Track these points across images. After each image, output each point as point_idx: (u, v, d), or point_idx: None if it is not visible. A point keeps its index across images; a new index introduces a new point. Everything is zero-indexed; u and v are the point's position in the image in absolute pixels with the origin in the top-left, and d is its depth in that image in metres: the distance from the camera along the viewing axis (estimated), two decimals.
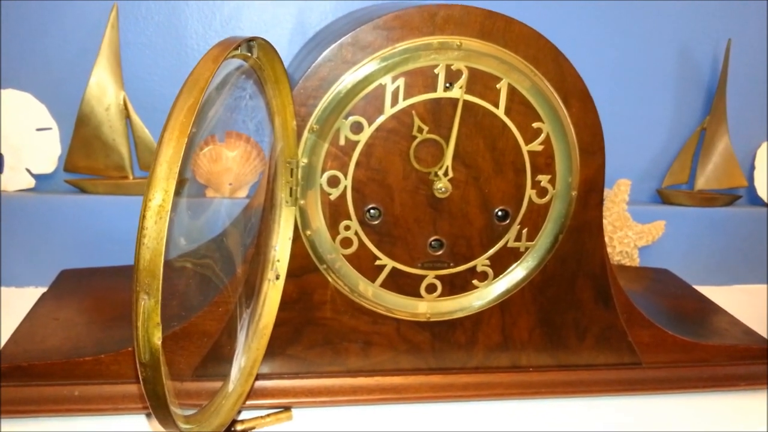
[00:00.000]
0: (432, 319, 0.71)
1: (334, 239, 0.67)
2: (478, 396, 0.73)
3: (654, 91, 1.08)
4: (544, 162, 0.68)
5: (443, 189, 0.66)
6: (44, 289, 0.85)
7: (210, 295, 0.65)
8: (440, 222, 0.68)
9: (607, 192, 1.05)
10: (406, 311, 0.70)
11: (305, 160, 0.64)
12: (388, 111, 0.64)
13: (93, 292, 0.83)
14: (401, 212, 0.67)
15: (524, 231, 0.70)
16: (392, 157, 0.66)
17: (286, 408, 0.68)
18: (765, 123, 1.12)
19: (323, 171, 0.65)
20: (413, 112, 0.65)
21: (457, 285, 0.71)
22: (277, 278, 0.65)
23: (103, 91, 0.92)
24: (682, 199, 1.10)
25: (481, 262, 0.70)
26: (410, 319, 0.70)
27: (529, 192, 0.69)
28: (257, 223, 0.65)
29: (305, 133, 0.63)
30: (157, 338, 0.41)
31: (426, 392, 0.72)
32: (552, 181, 0.69)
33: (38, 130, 0.95)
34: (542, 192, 0.69)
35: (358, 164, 0.65)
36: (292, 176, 0.64)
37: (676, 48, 1.06)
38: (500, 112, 0.66)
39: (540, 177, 0.69)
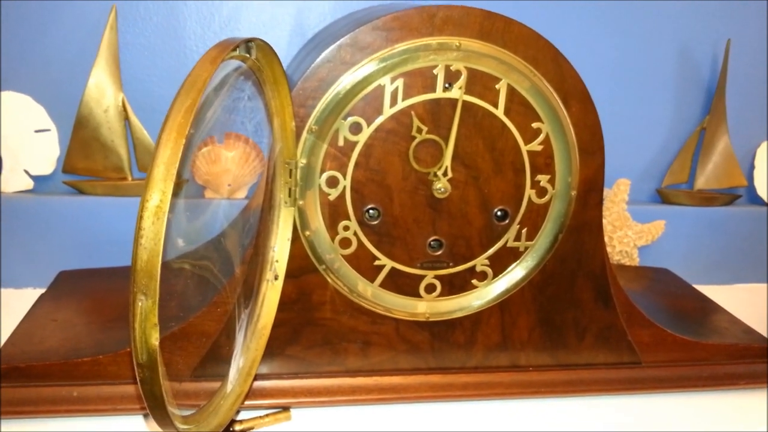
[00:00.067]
0: (431, 319, 0.71)
1: (333, 240, 0.67)
2: (477, 396, 0.73)
3: (654, 91, 1.08)
4: (543, 162, 0.68)
5: (442, 189, 0.66)
6: (43, 291, 0.85)
7: (208, 295, 0.65)
8: (439, 222, 0.68)
9: (606, 192, 1.05)
10: (406, 311, 0.70)
11: (304, 161, 0.64)
12: (387, 111, 0.64)
13: (91, 293, 0.83)
14: (400, 212, 0.67)
15: (524, 231, 0.70)
16: (391, 157, 0.66)
17: (285, 408, 0.68)
18: (765, 122, 1.12)
19: (322, 171, 0.65)
20: (412, 112, 0.64)
21: (456, 285, 0.71)
22: (276, 279, 0.65)
23: (102, 92, 0.92)
24: (681, 198, 1.10)
25: (481, 262, 0.70)
26: (409, 319, 0.70)
27: (529, 192, 0.69)
28: (256, 223, 0.65)
29: (304, 134, 0.63)
30: (155, 339, 0.41)
31: (425, 392, 0.72)
32: (551, 181, 0.69)
33: (37, 131, 0.95)
34: (542, 192, 0.69)
35: (357, 165, 0.65)
36: (290, 177, 0.64)
37: (676, 48, 1.06)
38: (499, 113, 0.66)
39: (539, 177, 0.69)
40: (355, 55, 0.62)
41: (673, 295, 0.94)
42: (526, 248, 0.71)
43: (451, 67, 0.64)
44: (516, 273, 0.71)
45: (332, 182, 0.65)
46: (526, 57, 0.65)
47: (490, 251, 0.70)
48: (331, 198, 0.66)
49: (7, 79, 0.93)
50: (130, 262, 0.41)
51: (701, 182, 1.09)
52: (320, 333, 0.69)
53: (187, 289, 0.67)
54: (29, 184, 0.96)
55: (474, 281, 0.71)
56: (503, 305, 0.72)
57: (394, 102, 0.64)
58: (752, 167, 1.13)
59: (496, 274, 0.71)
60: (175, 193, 0.40)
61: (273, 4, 0.96)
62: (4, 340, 0.71)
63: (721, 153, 1.08)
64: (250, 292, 0.65)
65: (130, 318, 0.40)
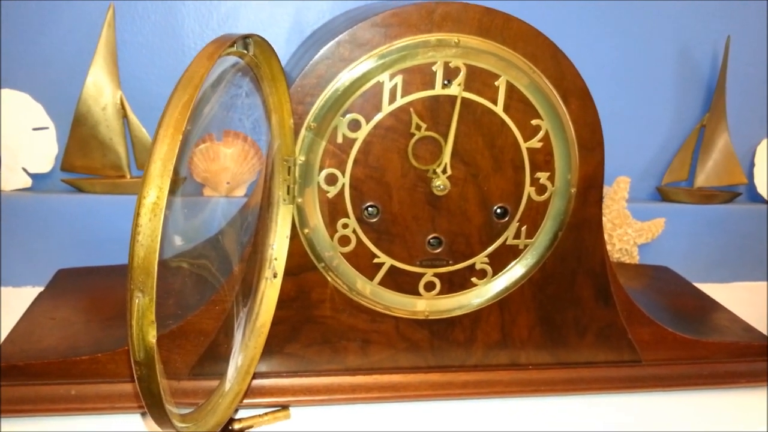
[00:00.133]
0: (431, 317, 0.70)
1: (332, 237, 0.66)
2: (477, 394, 0.73)
3: (653, 89, 1.08)
4: (543, 159, 0.68)
5: (442, 186, 0.66)
6: (42, 289, 0.85)
7: (207, 294, 0.65)
8: (439, 220, 0.68)
9: (606, 189, 1.04)
10: (405, 309, 0.70)
11: (303, 158, 0.63)
12: (386, 108, 0.64)
13: (90, 291, 0.83)
14: (399, 210, 0.67)
15: (523, 228, 0.70)
16: (390, 154, 0.65)
17: (284, 407, 0.68)
18: (765, 120, 1.12)
19: (321, 169, 0.64)
20: (411, 109, 0.64)
21: (456, 283, 0.70)
22: (275, 277, 0.65)
23: (100, 90, 0.92)
24: (681, 196, 1.09)
25: (480, 260, 0.70)
26: (409, 317, 0.70)
27: (528, 189, 0.69)
28: (254, 221, 0.65)
29: (302, 131, 0.63)
30: (152, 336, 0.40)
31: (425, 390, 0.71)
32: (551, 178, 0.69)
33: (35, 129, 0.94)
34: (541, 189, 0.69)
35: (356, 162, 0.65)
36: (289, 174, 0.63)
37: (676, 45, 1.06)
38: (499, 110, 0.66)
39: (539, 174, 0.68)
40: (354, 52, 0.62)
41: (673, 293, 0.94)
42: (526, 246, 0.71)
43: (450, 64, 0.63)
44: (516, 271, 0.71)
45: (331, 179, 0.65)
46: (526, 54, 0.65)
47: (490, 249, 0.70)
48: (330, 195, 0.65)
49: (5, 77, 0.92)
50: None
51: (701, 180, 1.09)
52: (319, 331, 0.69)
53: (186, 287, 0.67)
54: (27, 182, 0.96)
55: (474, 279, 0.71)
56: (503, 303, 0.72)
57: (392, 99, 0.64)
58: (752, 165, 1.12)
59: (495, 272, 0.71)
60: (174, 191, 0.40)
61: (271, 3, 0.96)
62: (2, 338, 0.70)
63: (721, 150, 1.08)
64: (248, 290, 0.65)
65: (127, 315, 0.40)
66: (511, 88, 0.65)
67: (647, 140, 1.10)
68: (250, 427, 0.65)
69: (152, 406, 0.44)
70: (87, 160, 0.94)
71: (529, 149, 0.67)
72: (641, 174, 1.11)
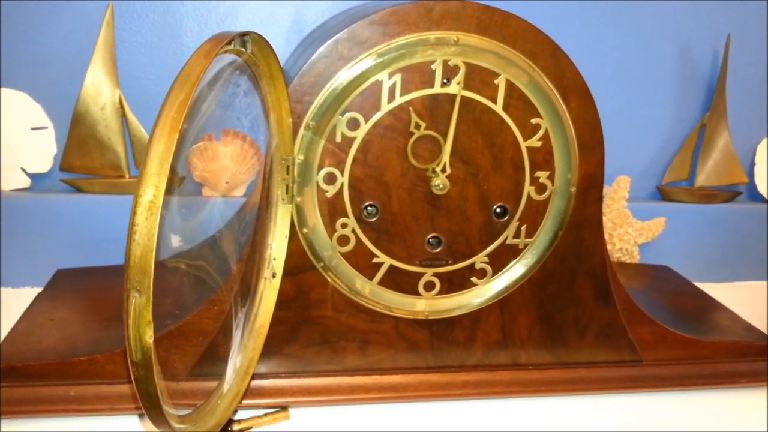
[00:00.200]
0: (430, 317, 0.70)
1: (331, 237, 0.66)
2: (477, 394, 0.72)
3: (653, 88, 1.07)
4: (542, 158, 0.68)
5: (441, 186, 0.66)
6: (40, 289, 0.84)
7: (205, 294, 0.65)
8: (438, 219, 0.68)
9: (606, 189, 1.04)
10: (405, 309, 0.70)
11: (301, 157, 0.63)
12: (385, 107, 0.64)
13: (89, 291, 0.82)
14: (399, 209, 0.67)
15: (523, 228, 0.70)
16: (389, 153, 0.65)
17: (284, 407, 0.68)
18: (765, 119, 1.12)
19: (320, 168, 0.64)
20: (410, 108, 0.64)
21: (455, 282, 0.70)
22: (274, 277, 0.65)
23: (99, 90, 0.92)
24: (682, 195, 1.09)
25: (480, 260, 0.70)
26: (408, 317, 0.70)
27: (528, 188, 0.68)
28: (253, 221, 0.65)
29: (301, 130, 0.63)
30: (149, 336, 0.40)
31: (425, 391, 0.71)
32: (551, 178, 0.68)
33: (34, 129, 0.94)
34: (541, 188, 0.69)
35: (354, 161, 0.64)
36: (288, 173, 0.63)
37: (676, 44, 1.06)
38: (498, 108, 0.65)
39: (539, 173, 0.68)
40: (353, 50, 0.62)
41: (673, 293, 0.94)
42: (526, 245, 0.70)
43: (449, 62, 0.63)
44: (515, 270, 0.71)
45: (330, 179, 0.65)
46: (525, 51, 0.64)
47: (490, 248, 0.70)
48: (329, 195, 0.65)
49: (4, 76, 0.92)
50: None
51: (701, 179, 1.09)
52: (318, 331, 0.69)
53: (184, 287, 0.67)
54: (26, 182, 0.96)
55: (473, 279, 0.70)
56: (503, 303, 0.71)
57: (391, 97, 0.63)
58: (752, 164, 1.12)
59: (495, 272, 0.70)
60: (172, 191, 0.40)
61: (271, 2, 0.96)
62: (1, 339, 0.70)
63: (721, 150, 1.08)
64: (247, 290, 0.65)
65: (124, 316, 0.40)
66: (510, 87, 0.65)
67: (647, 139, 1.10)
68: (250, 428, 0.65)
69: (150, 407, 0.43)
70: (86, 159, 0.94)
71: (528, 148, 0.67)
72: (641, 173, 1.11)
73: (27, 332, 0.71)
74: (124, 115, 0.93)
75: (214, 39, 0.47)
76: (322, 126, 0.63)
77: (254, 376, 0.65)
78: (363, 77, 0.62)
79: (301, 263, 0.66)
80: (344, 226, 0.66)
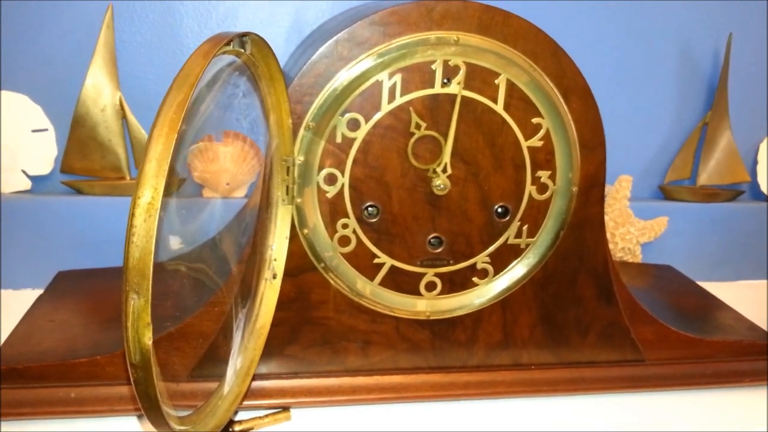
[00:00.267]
0: (432, 318, 0.70)
1: (331, 238, 0.66)
2: (479, 395, 0.72)
3: (655, 87, 1.07)
4: (544, 158, 0.67)
5: (442, 186, 0.65)
6: (41, 291, 0.84)
7: (206, 295, 0.65)
8: (439, 219, 0.68)
9: (608, 188, 1.04)
10: (406, 309, 0.69)
11: (302, 158, 0.63)
12: (385, 108, 0.63)
13: (89, 293, 0.82)
14: (400, 210, 0.67)
15: (524, 228, 0.69)
16: (390, 154, 0.65)
17: (285, 408, 0.68)
18: (767, 118, 1.11)
19: (320, 169, 0.64)
20: (411, 108, 0.64)
21: (457, 283, 0.70)
22: (274, 277, 0.64)
23: (99, 91, 0.92)
24: (684, 194, 1.09)
25: (481, 260, 0.70)
26: (410, 317, 0.70)
27: (529, 188, 0.68)
28: (253, 222, 0.64)
29: (301, 131, 0.62)
30: (148, 338, 0.40)
31: (426, 391, 0.71)
32: (552, 177, 0.68)
33: (34, 131, 0.94)
34: (542, 188, 0.68)
35: (355, 162, 0.64)
36: (288, 174, 0.63)
37: (677, 42, 1.06)
38: (499, 108, 0.65)
39: (540, 173, 0.68)
40: (353, 51, 0.62)
41: (676, 292, 0.93)
42: (527, 245, 0.70)
43: (449, 62, 0.63)
44: (517, 270, 0.71)
45: (330, 179, 0.64)
46: (526, 51, 0.64)
47: (491, 248, 0.69)
48: (330, 195, 0.65)
49: (4, 78, 0.92)
50: None
51: (704, 178, 1.09)
52: (319, 332, 0.68)
53: (184, 289, 0.67)
54: (27, 184, 0.96)
55: (475, 279, 0.70)
56: (504, 303, 0.71)
57: (392, 98, 0.63)
58: (755, 162, 1.12)
59: (497, 272, 0.70)
60: (172, 192, 0.40)
61: (271, 3, 0.95)
62: (2, 341, 0.70)
63: (723, 149, 1.08)
64: (247, 291, 0.64)
65: (123, 318, 0.40)
66: (511, 87, 0.65)
67: (649, 139, 1.09)
68: (251, 428, 0.64)
69: (149, 408, 0.43)
70: (86, 161, 0.94)
71: (529, 148, 0.67)
72: (643, 172, 1.10)
73: (27, 334, 0.71)
74: (124, 117, 0.93)
75: (212, 40, 0.47)
76: (322, 127, 0.63)
77: (255, 377, 0.65)
78: (363, 77, 0.62)
79: (301, 264, 0.66)
80: (345, 226, 0.66)
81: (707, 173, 1.08)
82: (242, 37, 0.52)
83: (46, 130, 0.94)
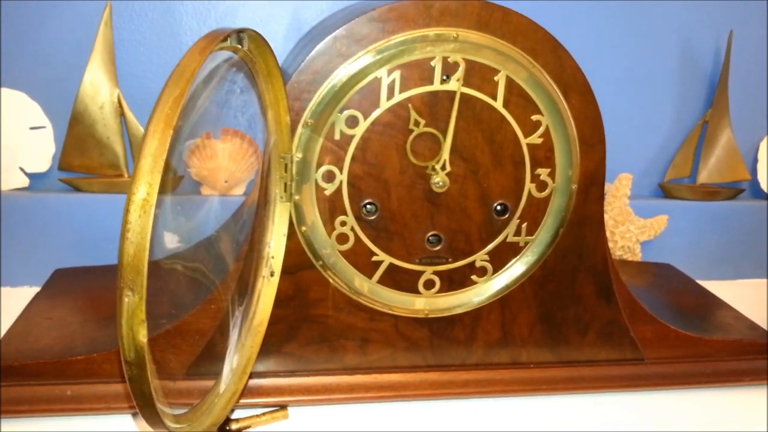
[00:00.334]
0: (430, 316, 0.70)
1: (329, 235, 0.66)
2: (478, 393, 0.72)
3: (655, 84, 1.07)
4: (543, 155, 0.67)
5: (441, 183, 0.65)
6: (39, 289, 0.84)
7: (203, 293, 0.64)
8: (438, 217, 0.67)
9: (608, 186, 1.04)
10: (404, 308, 0.69)
11: (300, 155, 0.63)
12: (384, 104, 0.63)
13: (86, 291, 0.82)
14: (398, 207, 0.66)
15: (524, 225, 0.69)
16: (388, 151, 0.65)
17: (282, 406, 0.67)
18: (767, 116, 1.11)
19: (318, 166, 0.64)
20: (409, 105, 0.64)
21: (455, 281, 0.70)
22: (272, 275, 0.64)
23: (97, 89, 0.91)
24: (684, 193, 1.09)
25: (480, 258, 0.69)
26: (408, 315, 0.69)
27: (529, 186, 0.68)
28: (251, 219, 0.64)
29: (299, 128, 0.62)
30: (142, 336, 0.40)
31: (425, 390, 0.71)
32: (552, 175, 0.68)
33: (32, 128, 0.94)
34: (542, 186, 0.68)
35: (353, 159, 0.64)
36: (286, 171, 0.63)
37: (678, 40, 1.05)
38: (498, 105, 0.65)
39: (539, 170, 0.67)
40: (351, 47, 0.61)
41: (675, 291, 0.93)
42: (527, 243, 0.70)
43: (448, 59, 0.63)
44: (516, 268, 0.70)
45: (329, 177, 0.64)
46: (525, 48, 0.64)
47: (490, 246, 0.69)
48: (328, 193, 0.65)
49: (2, 76, 0.92)
50: None
51: (704, 176, 1.08)
52: (317, 330, 0.68)
53: (181, 287, 0.67)
54: (25, 181, 0.96)
55: (474, 277, 0.70)
56: (503, 301, 0.71)
57: (390, 95, 0.63)
58: (755, 161, 1.12)
59: (496, 270, 0.70)
60: (169, 189, 0.40)
61: (270, 1, 0.95)
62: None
63: (723, 147, 1.07)
64: (245, 288, 0.64)
65: (117, 315, 0.40)
66: (510, 83, 0.64)
67: (649, 137, 1.09)
68: (248, 427, 0.64)
69: (144, 406, 0.43)
70: (84, 159, 0.93)
71: (529, 145, 0.66)
72: (643, 171, 1.10)
73: (25, 331, 0.71)
74: (122, 114, 0.93)
75: (209, 36, 0.47)
76: (320, 123, 0.62)
77: (253, 375, 0.65)
78: (362, 74, 0.62)
79: (299, 261, 0.66)
80: (343, 224, 0.66)
81: (707, 171, 1.08)
82: (239, 33, 0.52)
83: (45, 127, 0.94)
